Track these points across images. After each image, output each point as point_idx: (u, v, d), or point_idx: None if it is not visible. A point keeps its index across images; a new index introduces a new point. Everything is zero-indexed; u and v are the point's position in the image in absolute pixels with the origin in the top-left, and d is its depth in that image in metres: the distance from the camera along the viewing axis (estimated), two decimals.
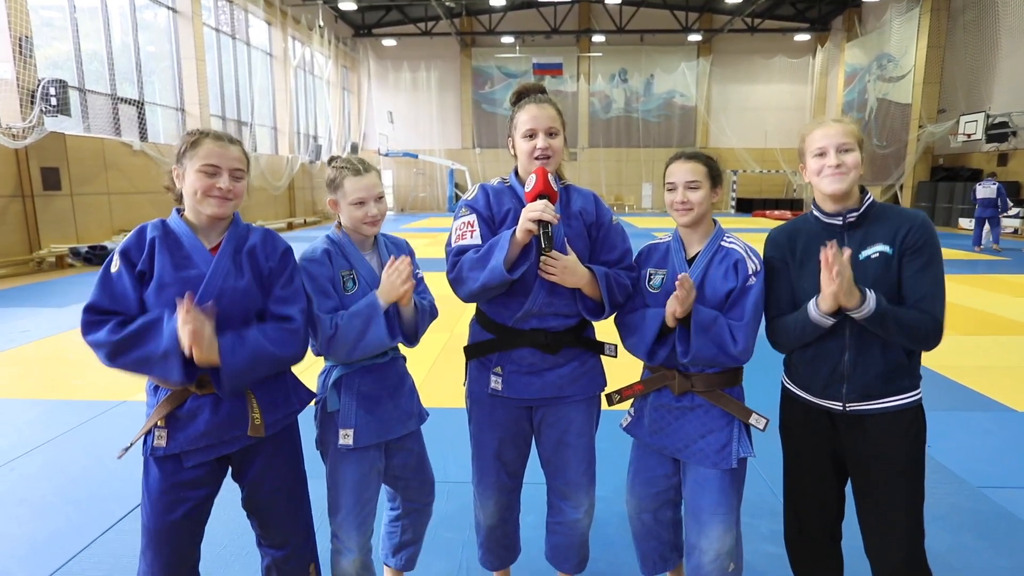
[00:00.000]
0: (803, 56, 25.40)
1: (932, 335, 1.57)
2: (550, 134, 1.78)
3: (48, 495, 2.85)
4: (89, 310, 1.51)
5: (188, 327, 1.41)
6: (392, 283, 1.70)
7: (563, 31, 24.78)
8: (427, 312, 1.88)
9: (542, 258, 1.69)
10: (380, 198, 1.82)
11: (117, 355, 1.47)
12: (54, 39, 11.36)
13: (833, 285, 1.50)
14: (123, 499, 2.75)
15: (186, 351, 1.44)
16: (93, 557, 2.36)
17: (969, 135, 16.63)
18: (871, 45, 21.32)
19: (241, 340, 1.53)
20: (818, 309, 1.58)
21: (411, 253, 1.91)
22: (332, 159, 1.88)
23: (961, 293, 7.63)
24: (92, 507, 2.72)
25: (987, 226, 12.49)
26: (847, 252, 1.51)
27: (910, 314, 1.55)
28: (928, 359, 4.44)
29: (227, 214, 1.61)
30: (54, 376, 4.56)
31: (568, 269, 1.71)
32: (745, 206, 25.23)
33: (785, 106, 25.73)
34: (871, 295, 1.53)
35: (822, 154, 1.63)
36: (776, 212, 22.67)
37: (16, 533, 2.53)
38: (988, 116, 15.94)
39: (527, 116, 1.79)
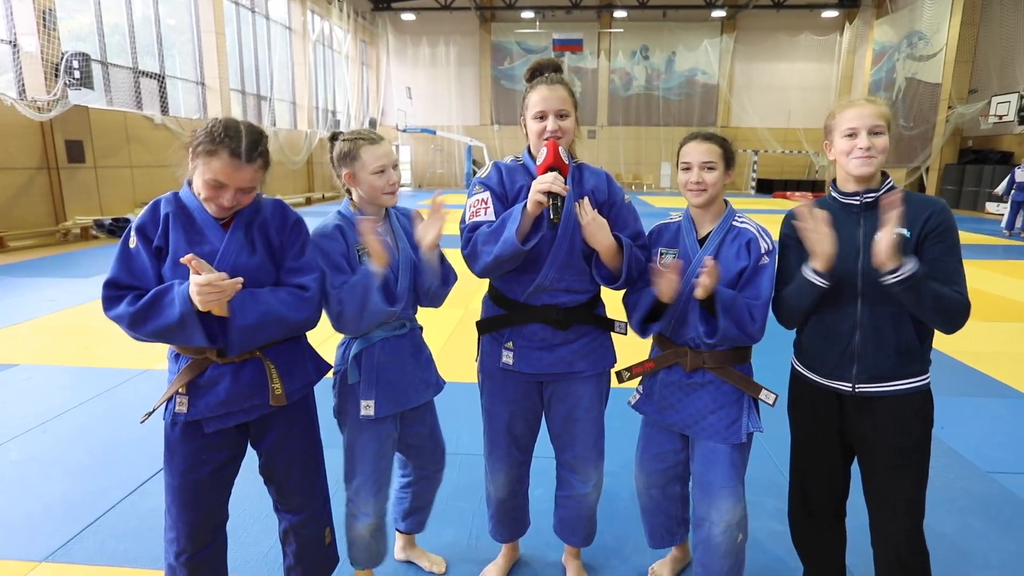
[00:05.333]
0: (830, 33, 24.69)
1: (963, 312, 1.56)
2: (560, 116, 1.79)
3: (80, 456, 2.98)
4: (109, 285, 1.52)
5: (211, 295, 1.41)
6: (426, 227, 1.81)
7: (584, 6, 24.29)
8: (450, 268, 1.93)
9: (577, 203, 1.76)
10: (396, 165, 1.85)
11: (137, 326, 1.49)
12: (76, 12, 11.43)
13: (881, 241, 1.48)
14: (150, 461, 2.86)
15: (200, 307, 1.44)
16: (122, 514, 2.48)
17: (1001, 116, 16.11)
18: (902, 22, 20.67)
19: (252, 297, 1.53)
20: (811, 268, 1.59)
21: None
22: (335, 135, 1.85)
23: (982, 278, 7.51)
24: (120, 468, 2.84)
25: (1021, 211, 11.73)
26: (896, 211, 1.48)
27: (945, 288, 1.54)
28: (944, 344, 4.46)
29: (225, 216, 1.59)
30: (81, 344, 4.70)
31: (598, 222, 1.75)
32: (766, 187, 24.79)
33: (810, 85, 25.10)
34: (910, 257, 1.50)
35: (852, 135, 1.62)
36: (797, 193, 22.28)
37: (51, 491, 2.66)
38: (1022, 97, 15.42)
39: (538, 97, 1.80)
